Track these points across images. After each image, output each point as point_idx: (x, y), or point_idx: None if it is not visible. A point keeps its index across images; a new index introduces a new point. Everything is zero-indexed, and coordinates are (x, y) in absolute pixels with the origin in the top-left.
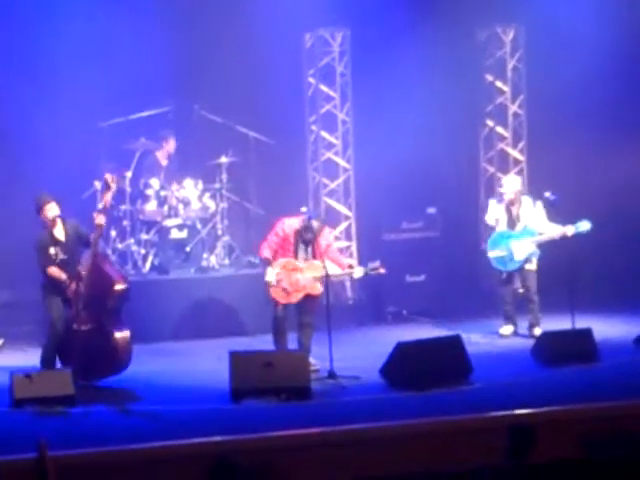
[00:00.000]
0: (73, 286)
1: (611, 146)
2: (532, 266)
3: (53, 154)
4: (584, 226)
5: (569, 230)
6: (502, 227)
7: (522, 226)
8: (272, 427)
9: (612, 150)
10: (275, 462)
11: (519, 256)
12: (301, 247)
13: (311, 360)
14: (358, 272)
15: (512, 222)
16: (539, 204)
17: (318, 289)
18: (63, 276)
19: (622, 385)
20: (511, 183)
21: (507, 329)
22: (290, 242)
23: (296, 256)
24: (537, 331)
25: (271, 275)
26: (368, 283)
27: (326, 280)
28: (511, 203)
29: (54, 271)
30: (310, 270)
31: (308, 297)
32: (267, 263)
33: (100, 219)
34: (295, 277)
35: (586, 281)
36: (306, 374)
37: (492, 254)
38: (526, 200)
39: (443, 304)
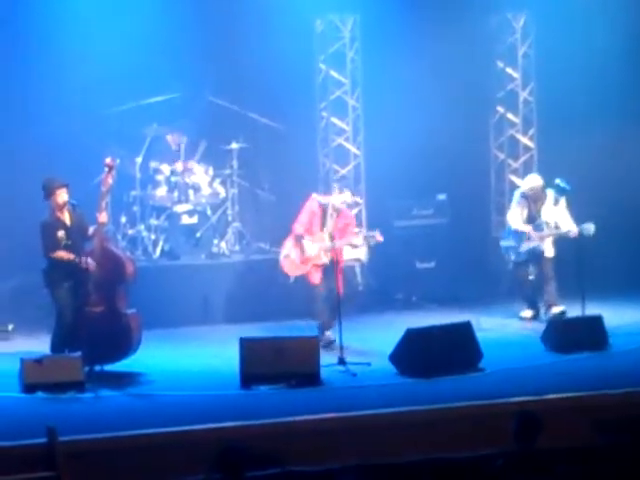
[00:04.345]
0: (84, 260)
1: (622, 133)
2: (550, 253)
3: (64, 139)
4: (588, 229)
5: (573, 231)
6: (521, 221)
7: (538, 222)
8: (282, 413)
9: (623, 137)
10: (284, 448)
11: (523, 248)
12: (328, 222)
13: (328, 333)
14: (358, 240)
15: (532, 217)
16: (563, 200)
17: (322, 259)
18: (71, 256)
19: (632, 372)
20: (531, 181)
21: (527, 313)
22: (318, 217)
23: (322, 230)
24: (555, 309)
25: (311, 249)
26: (378, 269)
27: (336, 267)
28: (535, 199)
29: (61, 254)
30: (317, 242)
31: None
32: (301, 239)
33: (103, 217)
34: (302, 249)
35: (596, 269)
36: (316, 360)
37: (503, 243)
38: (550, 194)
39: (453, 290)
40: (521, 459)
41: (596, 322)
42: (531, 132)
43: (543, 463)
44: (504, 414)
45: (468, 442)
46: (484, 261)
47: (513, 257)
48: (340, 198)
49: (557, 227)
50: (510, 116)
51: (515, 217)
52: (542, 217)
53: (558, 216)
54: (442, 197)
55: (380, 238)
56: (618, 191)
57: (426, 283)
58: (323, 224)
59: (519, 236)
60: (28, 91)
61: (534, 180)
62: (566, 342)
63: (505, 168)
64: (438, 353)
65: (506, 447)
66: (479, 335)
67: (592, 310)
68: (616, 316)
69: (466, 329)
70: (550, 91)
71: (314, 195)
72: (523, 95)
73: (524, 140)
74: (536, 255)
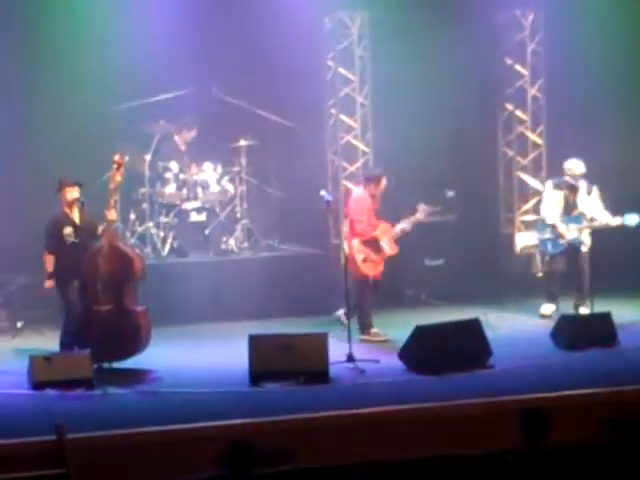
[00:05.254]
0: (47, 284)
1: (633, 129)
2: (586, 248)
3: (72, 137)
4: (632, 219)
5: (614, 221)
6: (556, 213)
7: (576, 213)
8: (291, 410)
9: (634, 133)
10: (294, 445)
11: (563, 240)
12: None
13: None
14: (420, 216)
15: (569, 208)
16: (595, 189)
17: (396, 249)
18: (49, 268)
19: None
20: (578, 166)
21: (548, 308)
22: (371, 209)
23: (379, 220)
24: (582, 310)
25: (388, 246)
26: (387, 266)
27: (345, 264)
28: (571, 189)
29: (48, 259)
30: (385, 233)
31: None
32: (378, 241)
33: (112, 214)
34: (378, 245)
35: (605, 265)
36: (325, 357)
37: (539, 236)
38: (582, 185)
39: (462, 287)
40: (531, 456)
41: (605, 318)
42: (540, 129)
43: (553, 460)
44: (513, 411)
45: (477, 439)
46: (493, 258)
47: (550, 249)
48: (381, 185)
49: (592, 219)
50: (519, 113)
51: (549, 210)
52: (579, 208)
53: (593, 207)
54: (451, 194)
55: (430, 209)
56: (629, 188)
57: (435, 280)
58: (376, 214)
59: (555, 228)
60: (37, 88)
61: (578, 166)
62: (575, 339)
63: (514, 165)
64: (447, 350)
65: (515, 444)
66: (488, 332)
67: (601, 307)
68: (625, 312)
69: (475, 326)
70: (559, 88)
71: (357, 193)
72: (532, 92)
73: (533, 137)
74: (574, 247)
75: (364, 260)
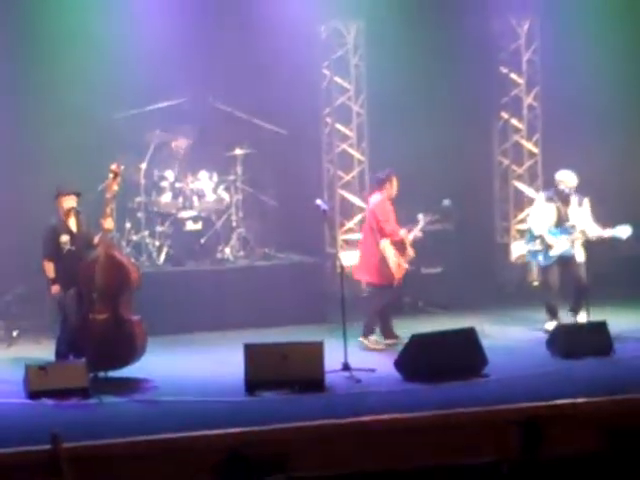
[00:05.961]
0: (54, 289)
1: (628, 138)
2: (582, 258)
3: (68, 146)
4: (624, 231)
5: (606, 233)
6: (544, 225)
7: (567, 225)
8: (287, 419)
9: (629, 142)
10: (289, 454)
11: (554, 252)
12: None
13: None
14: (422, 222)
15: (561, 220)
16: (586, 201)
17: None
18: (51, 274)
19: (636, 378)
20: (571, 177)
21: (552, 324)
22: (393, 210)
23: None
24: (579, 319)
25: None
26: None
27: (341, 273)
28: (564, 201)
29: (48, 266)
30: (406, 236)
31: None
32: (405, 244)
33: (108, 223)
34: (404, 247)
35: (601, 274)
36: (320, 366)
37: (528, 247)
38: (573, 198)
39: (458, 296)
40: (526, 465)
41: (601, 328)
42: (535, 138)
43: (548, 469)
44: (509, 420)
45: (472, 448)
46: (489, 267)
47: (542, 261)
48: (394, 184)
49: (584, 231)
50: (514, 122)
51: (537, 222)
52: (570, 220)
53: (584, 219)
54: (447, 202)
55: (429, 216)
56: (623, 197)
57: (432, 288)
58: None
59: (545, 240)
60: (33, 97)
61: (570, 178)
62: (571, 348)
63: (509, 174)
64: (443, 359)
65: (511, 453)
66: (484, 341)
67: (597, 316)
68: (621, 322)
69: (471, 335)
70: (555, 96)
71: (381, 200)
72: (527, 101)
73: (529, 146)
74: (566, 259)
75: (398, 265)
